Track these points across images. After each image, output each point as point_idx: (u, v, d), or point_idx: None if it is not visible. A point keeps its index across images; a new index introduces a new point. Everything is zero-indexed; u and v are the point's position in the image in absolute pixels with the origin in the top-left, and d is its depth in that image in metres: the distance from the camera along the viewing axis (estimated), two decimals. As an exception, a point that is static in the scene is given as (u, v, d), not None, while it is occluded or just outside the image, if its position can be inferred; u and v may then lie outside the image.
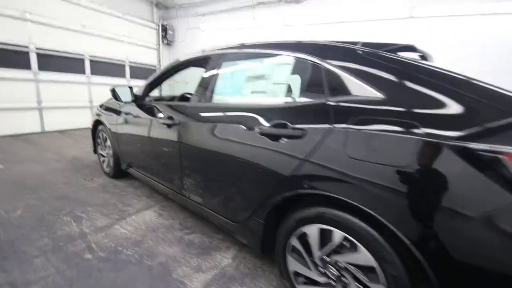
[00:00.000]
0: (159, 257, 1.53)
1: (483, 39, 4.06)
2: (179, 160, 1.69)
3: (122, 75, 6.40)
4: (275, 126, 1.13)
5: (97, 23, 5.61)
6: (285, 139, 1.09)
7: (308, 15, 5.36)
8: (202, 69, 1.77)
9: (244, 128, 1.24)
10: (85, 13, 5.36)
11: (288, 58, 1.25)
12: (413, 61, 1.00)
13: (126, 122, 2.29)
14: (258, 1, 5.77)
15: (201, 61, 1.85)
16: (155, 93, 2.37)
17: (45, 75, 4.85)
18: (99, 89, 5.82)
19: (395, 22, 4.66)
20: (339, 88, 1.03)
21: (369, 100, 0.94)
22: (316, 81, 1.12)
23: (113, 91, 2.07)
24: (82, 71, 5.48)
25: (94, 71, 5.67)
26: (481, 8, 4.04)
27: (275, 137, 1.12)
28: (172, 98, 2.58)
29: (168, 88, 5.03)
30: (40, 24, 4.67)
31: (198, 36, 6.91)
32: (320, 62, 1.12)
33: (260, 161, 1.18)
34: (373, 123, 0.89)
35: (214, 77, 1.59)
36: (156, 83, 2.20)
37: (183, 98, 2.51)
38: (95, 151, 3.02)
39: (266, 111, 1.21)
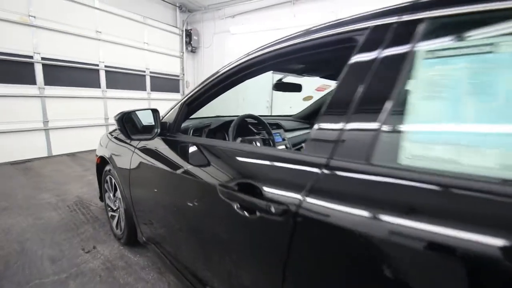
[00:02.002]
0: None
1: None
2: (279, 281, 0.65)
3: (142, 87, 5.60)
4: None
5: (114, 28, 4.85)
6: None
7: (368, 6, 4.28)
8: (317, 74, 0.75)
9: None
10: (100, 17, 4.61)
11: None
12: None
13: (146, 169, 1.30)
14: (301, -5, 4.80)
15: (315, 52, 0.83)
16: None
17: (52, 90, 4.08)
18: (116, 104, 5.02)
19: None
20: None
21: None
22: None
23: (121, 120, 1.07)
24: (97, 84, 4.70)
25: (110, 84, 4.88)
26: None
27: None
28: (223, 126, 1.51)
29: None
30: (47, 29, 3.92)
31: (226, 41, 6.03)
32: None
33: None
34: None
35: (398, 88, 0.55)
36: (198, 102, 1.20)
37: (250, 133, 1.46)
38: (102, 198, 2.07)
39: None
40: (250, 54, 1.00)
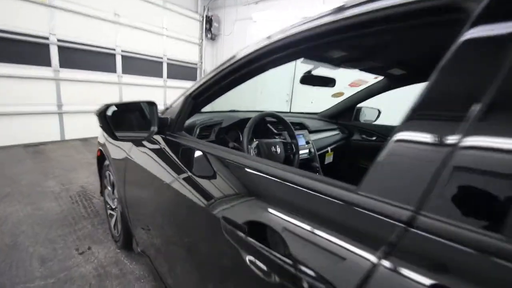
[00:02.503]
0: None
1: None
2: None
3: (159, 74, 5.45)
4: None
5: (132, 11, 4.67)
6: None
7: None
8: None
9: None
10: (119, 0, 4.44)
11: None
12: None
13: (141, 171, 1.08)
14: (331, -20, 4.37)
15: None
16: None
17: (67, 73, 3.98)
18: (131, 90, 4.89)
19: None
20: None
21: None
22: None
23: (103, 115, 0.83)
24: (112, 69, 4.57)
25: (126, 69, 4.75)
26: None
27: None
28: (238, 125, 1.25)
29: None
30: (64, 10, 3.79)
31: (247, 28, 5.72)
32: None
33: None
34: None
35: None
36: (207, 95, 0.94)
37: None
38: (102, 192, 1.91)
39: None
40: (273, 36, 0.73)
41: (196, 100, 0.98)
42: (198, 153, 0.83)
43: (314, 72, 1.38)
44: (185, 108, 0.98)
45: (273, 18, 5.25)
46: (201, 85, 0.93)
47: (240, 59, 0.80)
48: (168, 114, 1.04)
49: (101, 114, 0.81)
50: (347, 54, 1.02)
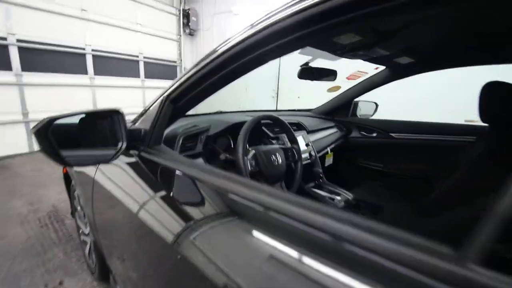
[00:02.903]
0: None
1: None
2: None
3: (135, 74, 5.09)
4: None
5: (102, 6, 4.29)
6: None
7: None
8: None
9: None
10: (86, -7, 4.05)
11: None
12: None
13: (110, 198, 0.86)
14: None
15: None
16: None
17: (31, 77, 3.59)
18: (106, 92, 4.53)
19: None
20: None
21: None
22: None
23: (44, 132, 0.56)
24: (83, 70, 4.20)
25: (98, 70, 4.37)
26: None
27: None
28: (228, 131, 1.05)
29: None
30: (22, 6, 3.39)
31: (228, 22, 5.45)
32: None
33: None
34: None
35: None
36: (190, 96, 0.73)
37: None
38: (73, 214, 1.66)
39: None
40: (270, 17, 0.55)
41: (176, 104, 0.78)
42: (181, 176, 0.63)
43: (312, 65, 1.20)
44: (161, 114, 0.77)
45: (255, 10, 5.01)
46: (181, 84, 0.73)
47: (231, 48, 0.61)
48: (142, 123, 0.83)
49: (41, 132, 0.57)
50: (357, 39, 0.84)
